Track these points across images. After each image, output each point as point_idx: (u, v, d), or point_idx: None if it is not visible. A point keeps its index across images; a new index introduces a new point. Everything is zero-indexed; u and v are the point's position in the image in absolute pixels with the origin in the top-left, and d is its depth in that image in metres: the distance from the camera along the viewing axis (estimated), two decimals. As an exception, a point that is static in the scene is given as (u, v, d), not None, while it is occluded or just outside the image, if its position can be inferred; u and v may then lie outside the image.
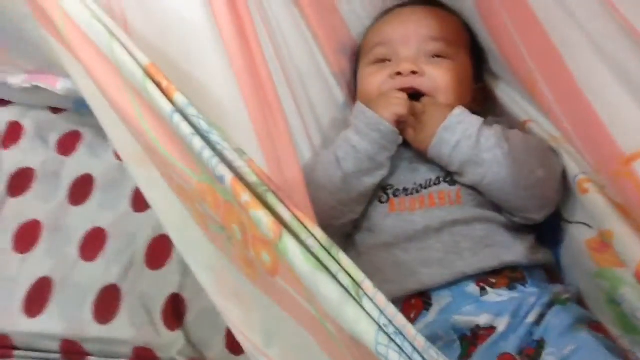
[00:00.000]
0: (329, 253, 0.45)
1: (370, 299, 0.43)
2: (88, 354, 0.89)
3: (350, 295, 0.44)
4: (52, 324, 0.92)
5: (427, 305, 0.72)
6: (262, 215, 0.47)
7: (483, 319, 0.69)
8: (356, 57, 0.93)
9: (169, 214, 0.66)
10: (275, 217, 0.47)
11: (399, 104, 0.78)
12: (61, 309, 0.93)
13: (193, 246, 0.64)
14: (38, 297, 0.94)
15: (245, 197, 0.49)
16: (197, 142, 0.52)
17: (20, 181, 1.09)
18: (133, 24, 0.65)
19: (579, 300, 0.75)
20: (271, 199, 0.48)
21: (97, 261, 0.99)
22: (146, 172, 0.64)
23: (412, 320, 0.73)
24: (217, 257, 0.61)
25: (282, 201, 0.48)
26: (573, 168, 0.74)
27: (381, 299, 0.43)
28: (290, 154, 0.74)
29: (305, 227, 0.46)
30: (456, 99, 0.81)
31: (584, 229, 0.75)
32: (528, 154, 0.74)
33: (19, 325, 0.90)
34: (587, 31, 0.62)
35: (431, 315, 0.72)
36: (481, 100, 0.87)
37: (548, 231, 0.81)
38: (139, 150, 0.63)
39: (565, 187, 0.76)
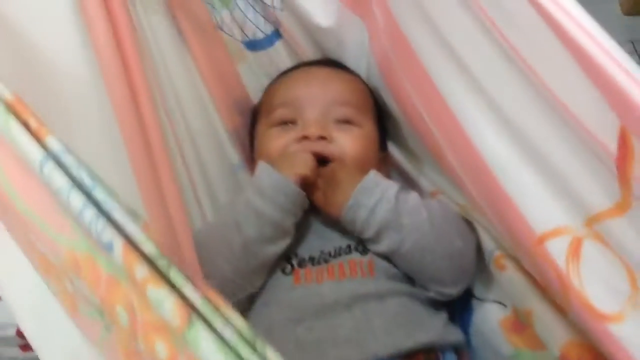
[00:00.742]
0: (253, 348, 0.36)
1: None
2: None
3: (284, 403, 0.34)
4: None
5: None
6: (164, 296, 0.37)
7: None
8: (253, 117, 0.86)
9: (20, 291, 0.52)
10: (181, 299, 0.37)
11: (304, 164, 0.73)
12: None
13: (52, 333, 0.50)
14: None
15: (142, 270, 0.38)
16: (76, 199, 0.41)
17: None
18: None
19: (494, 386, 0.71)
20: (175, 276, 0.38)
21: None
22: None
23: None
24: (86, 350, 0.48)
25: (189, 279, 0.38)
26: (488, 242, 0.72)
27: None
28: (182, 221, 0.64)
29: (221, 313, 0.37)
30: (365, 167, 0.77)
31: (497, 307, 0.73)
32: (447, 223, 0.71)
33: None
34: (489, 96, 0.60)
35: None
36: (386, 170, 0.84)
37: (457, 309, 0.77)
38: None
39: (478, 263, 0.74)
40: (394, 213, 0.69)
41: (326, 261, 0.72)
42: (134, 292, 0.40)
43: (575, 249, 0.53)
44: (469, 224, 0.74)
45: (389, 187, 0.71)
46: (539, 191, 0.56)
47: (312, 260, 0.72)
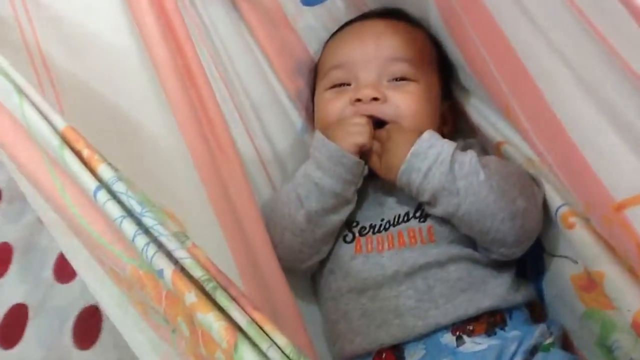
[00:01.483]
0: (297, 366, 0.39)
1: None
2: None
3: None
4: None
5: (399, 359, 0.69)
6: (212, 320, 0.41)
7: None
8: (314, 77, 0.86)
9: (104, 294, 0.58)
10: (229, 322, 0.41)
11: (359, 132, 0.72)
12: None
13: (132, 330, 0.56)
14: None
15: (190, 297, 0.42)
16: (128, 227, 0.45)
17: None
18: (58, 74, 0.57)
19: (565, 341, 0.72)
20: (222, 299, 0.42)
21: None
22: (73, 246, 0.56)
23: None
24: (161, 345, 0.54)
25: (236, 301, 0.42)
26: (555, 198, 0.69)
27: None
28: (251, 210, 0.67)
29: (266, 334, 0.40)
30: (423, 124, 0.75)
31: (568, 263, 0.71)
32: (507, 182, 0.69)
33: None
34: (566, 60, 0.57)
35: None
36: (451, 120, 0.82)
37: (528, 262, 0.77)
38: (61, 224, 0.55)
39: (546, 217, 0.72)
40: (448, 176, 0.68)
41: (386, 229, 0.73)
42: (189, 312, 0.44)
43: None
44: (534, 180, 0.71)
45: (444, 149, 0.69)
46: (621, 154, 0.53)
47: (372, 228, 0.74)
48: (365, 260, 0.72)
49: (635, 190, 0.53)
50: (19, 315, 0.89)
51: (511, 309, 0.71)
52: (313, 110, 0.85)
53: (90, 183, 0.47)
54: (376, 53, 0.77)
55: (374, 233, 0.74)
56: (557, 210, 0.69)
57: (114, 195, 0.46)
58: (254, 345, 0.40)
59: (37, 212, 0.60)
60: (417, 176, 0.69)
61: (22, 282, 0.92)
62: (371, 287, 0.71)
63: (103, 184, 0.47)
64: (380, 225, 0.74)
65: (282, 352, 0.40)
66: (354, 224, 0.75)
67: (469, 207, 0.68)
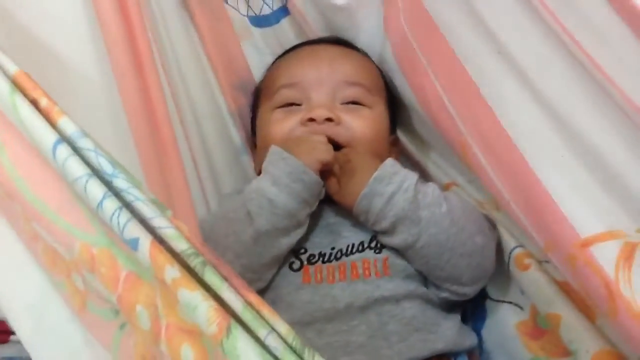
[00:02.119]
0: (301, 357, 0.33)
1: None
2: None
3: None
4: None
5: None
6: (198, 300, 0.35)
7: None
8: (255, 97, 0.83)
9: (15, 289, 0.49)
10: (219, 303, 0.35)
11: (324, 149, 0.69)
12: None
13: (50, 334, 0.47)
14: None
15: (172, 272, 0.36)
16: (96, 188, 0.38)
17: None
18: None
19: (505, 393, 0.71)
20: (211, 277, 0.36)
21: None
22: None
23: None
24: (88, 351, 0.45)
25: (228, 280, 0.35)
26: (508, 240, 0.70)
27: None
28: (189, 211, 0.61)
29: (265, 319, 0.34)
30: (376, 151, 0.74)
31: (513, 309, 0.72)
32: (468, 217, 0.68)
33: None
34: (535, 91, 0.58)
35: None
36: (396, 155, 0.81)
37: (469, 308, 0.76)
38: None
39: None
40: (412, 204, 0.66)
41: (337, 259, 0.69)
42: (160, 292, 0.38)
43: (627, 256, 0.51)
44: (489, 220, 0.72)
45: (408, 177, 0.68)
46: (588, 190, 0.54)
47: (322, 257, 0.70)
48: (314, 291, 0.68)
49: (603, 227, 0.54)
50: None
51: (456, 355, 0.69)
52: (252, 133, 0.82)
53: (48, 136, 0.40)
54: (330, 75, 0.76)
55: (323, 262, 0.69)
56: (510, 252, 0.69)
57: (77, 151, 0.39)
58: (250, 331, 0.34)
59: None
60: (379, 202, 0.67)
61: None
62: (319, 321, 0.66)
63: (64, 138, 0.40)
64: (331, 254, 0.70)
65: (284, 340, 0.34)
66: (302, 250, 0.70)
67: (429, 238, 0.66)
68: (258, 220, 0.66)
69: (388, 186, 0.67)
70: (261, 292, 0.70)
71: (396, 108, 0.82)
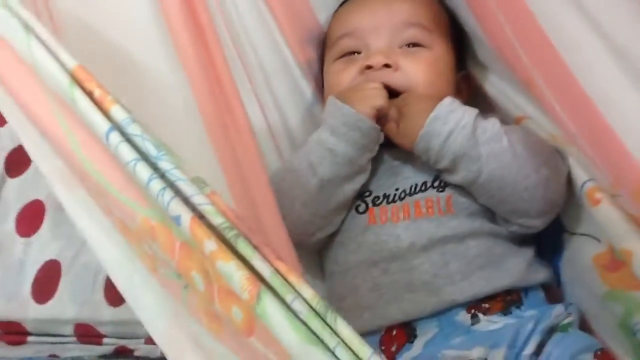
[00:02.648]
0: (324, 320, 0.37)
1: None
2: (104, 336, 0.87)
3: (354, 377, 0.35)
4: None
5: (410, 337, 0.67)
6: (233, 270, 0.39)
7: (476, 353, 0.64)
8: (323, 47, 0.84)
9: (106, 250, 0.56)
10: (251, 272, 0.39)
11: (376, 95, 0.70)
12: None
13: (138, 289, 0.54)
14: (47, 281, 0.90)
15: (210, 244, 0.40)
16: (143, 171, 0.43)
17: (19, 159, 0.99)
18: (59, 16, 0.55)
19: (582, 323, 0.70)
20: (244, 248, 0.40)
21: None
22: (75, 197, 0.54)
23: (394, 355, 0.67)
24: (170, 304, 0.51)
25: (258, 250, 0.39)
26: (580, 174, 0.68)
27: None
28: (260, 176, 0.65)
29: (291, 286, 0.38)
30: (437, 93, 0.73)
31: (590, 242, 0.70)
32: (531, 151, 0.68)
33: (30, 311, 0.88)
34: (595, 24, 0.55)
35: (416, 349, 0.66)
36: (466, 92, 0.80)
37: (546, 241, 0.75)
38: (66, 172, 0.52)
39: (568, 194, 0.70)
40: (470, 141, 0.66)
41: (401, 199, 0.71)
42: (207, 262, 0.42)
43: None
44: (559, 152, 0.70)
45: (466, 114, 0.68)
46: None
47: (386, 198, 0.72)
48: (379, 231, 0.70)
49: None
50: (52, 271, 0.90)
51: (527, 288, 0.69)
52: (322, 83, 0.83)
53: (102, 124, 0.44)
54: (387, 18, 0.76)
55: (388, 203, 0.72)
56: (582, 186, 0.67)
57: (127, 137, 0.44)
58: (278, 296, 0.38)
59: (34, 160, 0.57)
60: (437, 141, 0.67)
61: (54, 239, 0.92)
62: (384, 260, 0.69)
63: (116, 126, 0.44)
64: (395, 194, 0.72)
65: (309, 304, 0.38)
66: (367, 193, 0.73)
67: (491, 173, 0.66)
68: (320, 169, 0.69)
69: (445, 125, 0.67)
70: (333, 235, 0.74)
71: (464, 43, 0.80)
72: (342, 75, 0.75)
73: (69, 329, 0.87)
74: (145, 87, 0.62)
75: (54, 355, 0.86)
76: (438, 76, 0.75)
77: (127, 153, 0.43)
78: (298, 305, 0.37)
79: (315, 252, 0.79)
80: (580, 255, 0.71)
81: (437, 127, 0.67)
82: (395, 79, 0.72)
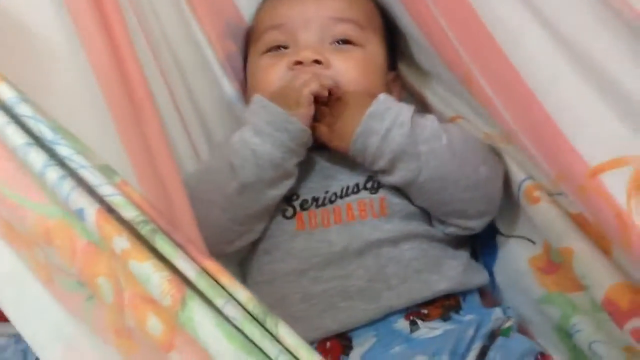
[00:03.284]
0: (263, 326, 0.31)
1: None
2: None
3: (301, 391, 0.29)
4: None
5: (346, 348, 0.64)
6: (150, 271, 0.32)
7: None
8: (245, 42, 0.79)
9: None
10: (172, 272, 0.32)
11: (308, 82, 0.65)
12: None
13: (27, 309, 0.46)
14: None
15: (121, 242, 0.33)
16: (36, 157, 0.35)
17: None
18: None
19: (520, 327, 0.68)
20: (163, 244, 0.33)
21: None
22: None
23: None
24: (68, 325, 0.44)
25: (181, 247, 0.33)
26: (517, 172, 0.66)
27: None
28: (171, 170, 0.58)
29: (222, 287, 0.32)
30: (368, 93, 0.70)
31: (525, 244, 0.68)
32: (470, 148, 0.66)
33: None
34: (535, 11, 0.54)
35: None
36: (397, 93, 0.78)
37: (481, 244, 0.73)
38: None
39: (503, 195, 0.68)
40: (409, 138, 0.63)
41: (332, 202, 0.67)
42: (117, 263, 0.35)
43: (639, 183, 0.48)
44: (495, 151, 0.68)
45: (403, 111, 0.65)
46: (596, 116, 0.51)
47: (315, 201, 0.68)
48: (308, 237, 0.66)
49: (611, 154, 0.51)
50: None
51: (465, 292, 0.67)
52: (245, 78, 0.78)
53: (-16, 103, 0.37)
54: (318, 12, 0.72)
55: (317, 207, 0.67)
56: (520, 185, 0.66)
57: (16, 118, 0.36)
58: (207, 300, 0.32)
59: None
60: (375, 139, 0.63)
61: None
62: (314, 268, 0.65)
63: (2, 106, 0.37)
64: (325, 197, 0.68)
65: (244, 308, 0.31)
66: (294, 197, 0.68)
67: (431, 172, 0.63)
68: (242, 172, 0.64)
69: (382, 122, 0.64)
70: (257, 242, 0.69)
71: (396, 41, 0.77)
72: (270, 70, 0.71)
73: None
74: (42, 73, 0.54)
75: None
76: (369, 76, 0.72)
77: (15, 137, 0.36)
78: (231, 310, 0.31)
79: (236, 262, 0.73)
80: (515, 258, 0.69)
81: (374, 124, 0.64)
82: (325, 74, 0.68)
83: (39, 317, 0.46)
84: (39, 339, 0.46)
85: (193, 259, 0.33)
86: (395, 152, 0.63)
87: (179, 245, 0.33)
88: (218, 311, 0.31)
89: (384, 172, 0.65)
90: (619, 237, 0.51)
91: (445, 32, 0.64)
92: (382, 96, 0.66)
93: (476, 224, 0.68)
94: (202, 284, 0.32)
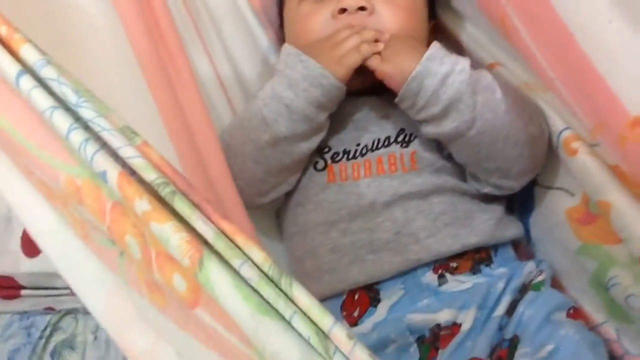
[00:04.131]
0: (277, 286, 0.32)
1: (345, 357, 0.30)
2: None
3: (315, 350, 0.30)
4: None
5: (374, 300, 0.64)
6: (170, 232, 0.33)
7: (444, 316, 0.62)
8: None
9: (32, 214, 0.49)
10: (191, 234, 0.33)
11: (355, 52, 0.63)
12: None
13: (72, 259, 0.48)
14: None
15: (142, 204, 0.34)
16: (61, 120, 0.36)
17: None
18: None
19: (554, 280, 0.68)
20: (182, 206, 0.34)
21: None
22: None
23: (356, 321, 0.64)
24: (108, 275, 0.46)
25: (198, 207, 0.34)
26: (557, 122, 0.64)
27: (361, 354, 0.30)
28: (207, 131, 0.59)
29: (239, 248, 0.32)
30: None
31: (564, 195, 0.67)
32: (520, 105, 0.63)
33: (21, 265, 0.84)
34: None
35: (380, 313, 0.63)
36: (438, 41, 0.75)
37: (517, 196, 0.71)
38: None
39: (544, 146, 0.67)
40: (468, 86, 0.60)
41: (363, 155, 0.67)
42: (142, 223, 0.36)
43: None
44: (538, 108, 0.66)
45: (461, 58, 0.62)
46: (637, 60, 0.49)
47: (346, 154, 0.67)
48: (339, 189, 0.66)
49: None
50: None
51: (497, 245, 0.67)
52: (280, 29, 0.76)
53: (11, 67, 0.38)
54: None
55: (348, 159, 0.67)
56: (559, 135, 0.64)
57: (41, 82, 0.37)
58: (224, 261, 0.32)
59: None
60: (432, 82, 0.60)
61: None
62: (343, 219, 0.65)
63: (27, 69, 0.38)
64: (356, 150, 0.67)
65: (259, 269, 0.32)
66: (326, 149, 0.68)
67: (484, 124, 0.61)
68: (275, 126, 0.63)
69: (442, 66, 0.61)
70: (290, 194, 0.70)
71: None
72: (312, 19, 0.68)
73: (62, 281, 0.81)
74: (71, 29, 0.55)
75: (49, 308, 0.84)
76: (413, 22, 0.69)
77: (41, 100, 0.37)
78: (247, 271, 0.32)
79: (272, 213, 0.74)
80: (553, 210, 0.68)
81: (433, 66, 0.61)
82: (372, 23, 0.66)
83: (82, 269, 0.48)
84: (84, 289, 0.48)
85: (210, 220, 0.34)
86: (452, 99, 0.60)
87: (196, 206, 0.34)
88: (235, 272, 0.32)
89: (432, 120, 0.62)
90: None
91: None
92: (437, 43, 0.63)
93: (516, 184, 0.66)
94: (220, 245, 0.33)
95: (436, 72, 0.60)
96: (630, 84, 0.51)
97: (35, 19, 0.52)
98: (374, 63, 0.63)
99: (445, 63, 0.61)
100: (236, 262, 0.32)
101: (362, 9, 0.66)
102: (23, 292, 0.84)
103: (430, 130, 0.64)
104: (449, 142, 0.64)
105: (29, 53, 0.38)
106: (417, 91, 0.61)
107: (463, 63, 0.61)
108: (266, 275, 0.32)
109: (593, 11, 0.52)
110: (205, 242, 0.33)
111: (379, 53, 0.63)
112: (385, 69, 0.63)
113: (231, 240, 0.33)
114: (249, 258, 0.33)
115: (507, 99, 0.62)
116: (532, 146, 0.64)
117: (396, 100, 0.63)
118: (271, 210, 0.74)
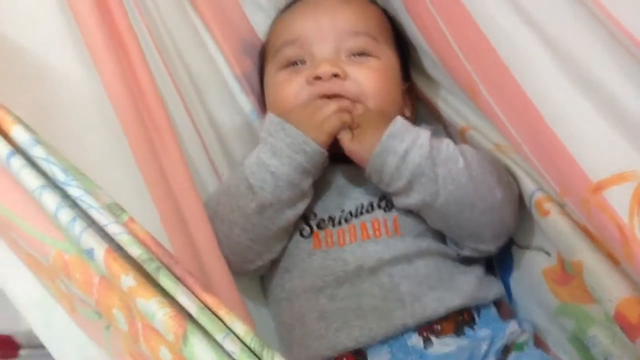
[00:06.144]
0: (260, 359, 0.33)
1: None
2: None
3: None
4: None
5: None
6: (155, 308, 0.34)
7: None
8: (261, 58, 0.80)
9: (24, 288, 0.50)
10: (175, 308, 0.34)
11: (333, 120, 0.66)
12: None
13: (56, 332, 0.49)
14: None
15: (128, 280, 0.35)
16: (50, 199, 0.38)
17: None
18: None
19: (536, 340, 0.69)
20: (166, 281, 0.35)
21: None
22: None
23: None
24: (92, 350, 0.46)
25: (183, 282, 0.35)
26: (528, 183, 0.66)
27: None
28: (192, 198, 0.60)
29: (221, 321, 0.33)
30: (387, 104, 0.71)
31: (540, 256, 0.68)
32: (486, 171, 0.65)
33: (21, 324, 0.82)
34: (536, 28, 0.54)
35: None
36: (410, 103, 0.78)
37: (495, 257, 0.73)
38: None
39: (518, 206, 0.69)
40: (428, 160, 0.63)
41: (347, 221, 0.68)
42: (128, 299, 0.38)
43: (641, 198, 0.48)
44: (508, 170, 0.68)
45: (421, 133, 0.65)
46: (597, 130, 0.51)
47: (332, 220, 0.69)
48: (325, 256, 0.67)
49: (614, 170, 0.51)
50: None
51: (479, 306, 0.67)
52: (262, 96, 0.79)
53: (2, 147, 0.39)
54: (332, 26, 0.72)
55: (333, 226, 0.68)
56: (531, 197, 0.66)
57: (31, 161, 0.39)
58: (207, 335, 0.34)
59: None
60: (393, 159, 0.64)
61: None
62: (330, 285, 0.66)
63: (17, 149, 0.39)
64: (340, 216, 0.69)
65: (242, 341, 0.33)
66: (312, 215, 0.69)
67: (448, 196, 0.64)
68: (261, 193, 0.65)
69: (402, 143, 0.64)
70: (277, 260, 0.70)
71: (408, 53, 0.78)
72: (288, 86, 0.71)
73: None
74: (56, 101, 0.57)
75: (48, 367, 0.83)
76: (387, 85, 0.72)
77: (30, 179, 0.38)
78: (229, 344, 0.33)
79: (257, 278, 0.75)
80: (531, 270, 0.70)
81: (394, 144, 0.64)
82: (346, 88, 0.69)
83: (67, 341, 0.49)
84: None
85: (193, 293, 0.35)
86: (413, 173, 0.63)
87: (180, 279, 0.35)
88: (218, 345, 0.33)
89: (400, 193, 0.65)
90: (622, 252, 0.51)
91: (449, 41, 0.64)
92: (399, 118, 0.66)
93: (492, 247, 0.68)
94: (203, 319, 0.34)
95: (396, 150, 0.63)
96: (589, 150, 0.53)
97: (19, 89, 0.54)
98: (344, 140, 0.66)
99: (405, 140, 0.64)
100: (219, 335, 0.33)
101: (335, 76, 0.69)
102: (21, 351, 0.83)
103: (400, 201, 0.66)
104: (421, 212, 0.66)
105: (19, 133, 0.40)
106: (380, 168, 0.64)
107: (424, 137, 0.64)
108: (248, 347, 0.33)
109: (549, 80, 0.54)
110: (190, 316, 0.34)
111: (351, 127, 0.66)
112: (352, 147, 0.66)
113: (214, 314, 0.34)
114: (231, 331, 0.34)
115: (471, 168, 0.64)
116: (501, 211, 0.66)
117: (365, 175, 0.66)
118: (256, 276, 0.74)
